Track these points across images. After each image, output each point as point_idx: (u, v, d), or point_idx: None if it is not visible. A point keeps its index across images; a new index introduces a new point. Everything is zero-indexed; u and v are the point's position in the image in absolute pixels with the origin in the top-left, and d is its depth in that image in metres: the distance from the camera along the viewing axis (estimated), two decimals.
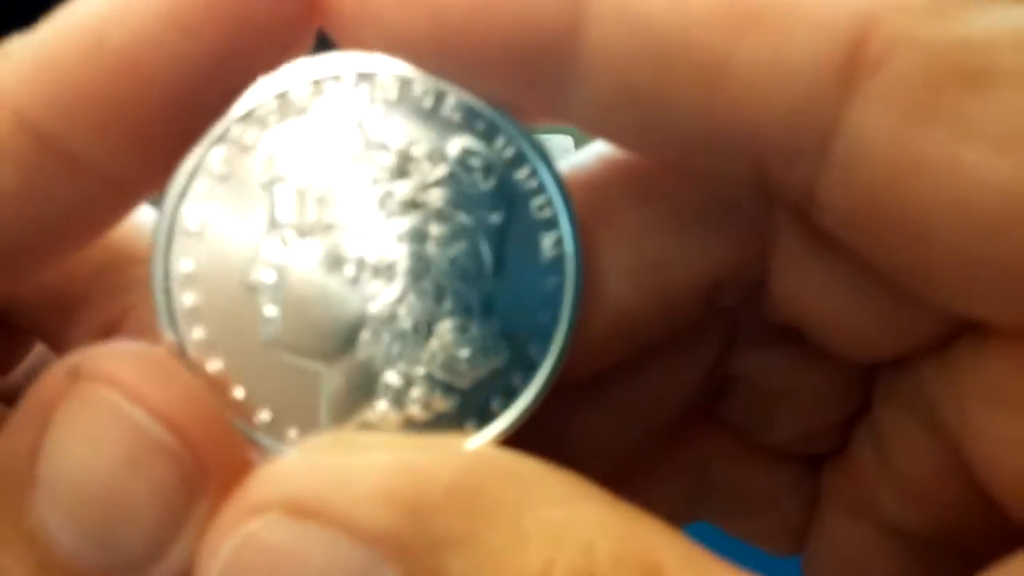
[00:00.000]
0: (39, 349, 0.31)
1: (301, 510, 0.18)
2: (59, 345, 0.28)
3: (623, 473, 0.27)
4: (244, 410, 0.21)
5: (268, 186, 0.20)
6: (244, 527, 0.18)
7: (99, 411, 0.18)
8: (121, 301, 0.26)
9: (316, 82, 0.20)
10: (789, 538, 0.29)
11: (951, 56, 0.16)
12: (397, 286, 0.21)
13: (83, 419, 0.18)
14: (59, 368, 0.19)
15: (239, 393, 0.21)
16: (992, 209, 0.16)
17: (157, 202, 0.22)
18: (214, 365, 0.20)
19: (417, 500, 0.18)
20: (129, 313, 0.26)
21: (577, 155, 0.23)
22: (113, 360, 0.19)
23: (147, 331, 0.25)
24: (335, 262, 0.21)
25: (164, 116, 0.19)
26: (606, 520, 0.18)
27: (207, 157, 0.20)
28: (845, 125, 0.17)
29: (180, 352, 0.20)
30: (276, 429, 0.21)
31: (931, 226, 0.17)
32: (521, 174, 0.21)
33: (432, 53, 0.20)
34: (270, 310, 0.21)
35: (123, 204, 0.21)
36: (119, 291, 0.26)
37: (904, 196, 0.17)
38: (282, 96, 0.20)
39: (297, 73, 0.20)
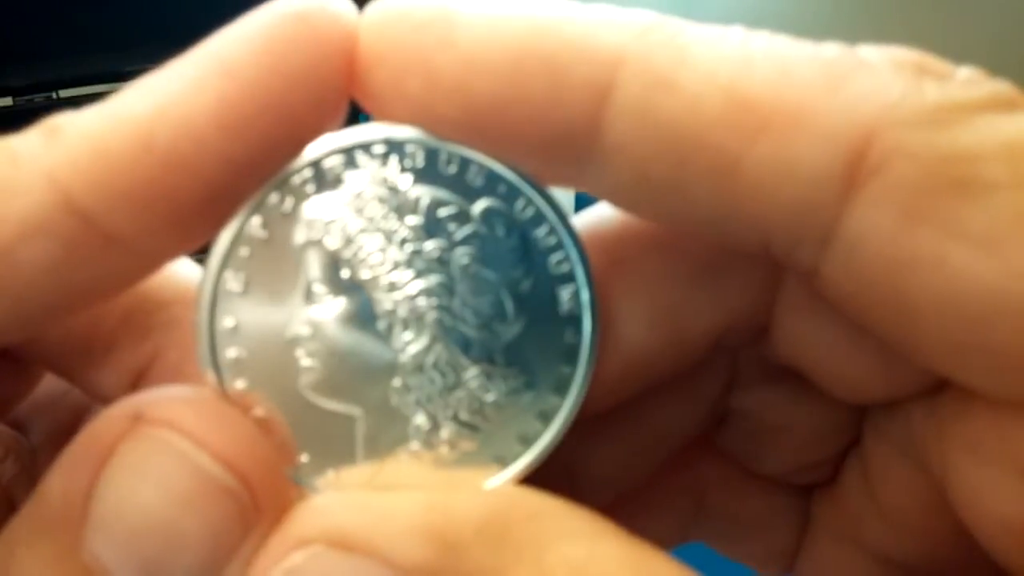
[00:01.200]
0: (46, 382, 0.32)
1: (342, 543, 0.20)
2: (85, 384, 0.29)
3: (624, 496, 0.29)
4: (285, 452, 0.22)
5: (305, 249, 0.22)
6: (288, 558, 0.20)
7: (163, 453, 0.20)
8: (150, 345, 0.28)
9: (348, 152, 0.22)
10: (779, 561, 0.31)
11: (942, 166, 0.18)
12: (426, 337, 0.22)
13: (146, 460, 0.20)
14: (116, 411, 0.20)
15: (280, 437, 0.22)
16: (976, 304, 0.18)
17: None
18: (256, 412, 0.22)
19: (449, 537, 0.20)
20: (158, 357, 0.27)
21: (593, 210, 0.25)
22: (175, 405, 0.20)
23: (177, 374, 0.27)
24: (367, 317, 0.22)
25: (204, 201, 0.21)
26: (623, 556, 0.20)
27: (248, 223, 0.22)
28: (845, 223, 0.19)
29: (225, 400, 0.22)
30: (314, 469, 0.22)
31: (921, 315, 0.19)
32: (540, 232, 0.22)
33: (459, 130, 0.21)
34: (307, 361, 0.22)
35: (153, 270, 0.23)
36: (147, 335, 0.28)
37: (897, 288, 0.19)
38: (317, 166, 0.22)
39: (330, 143, 0.22)
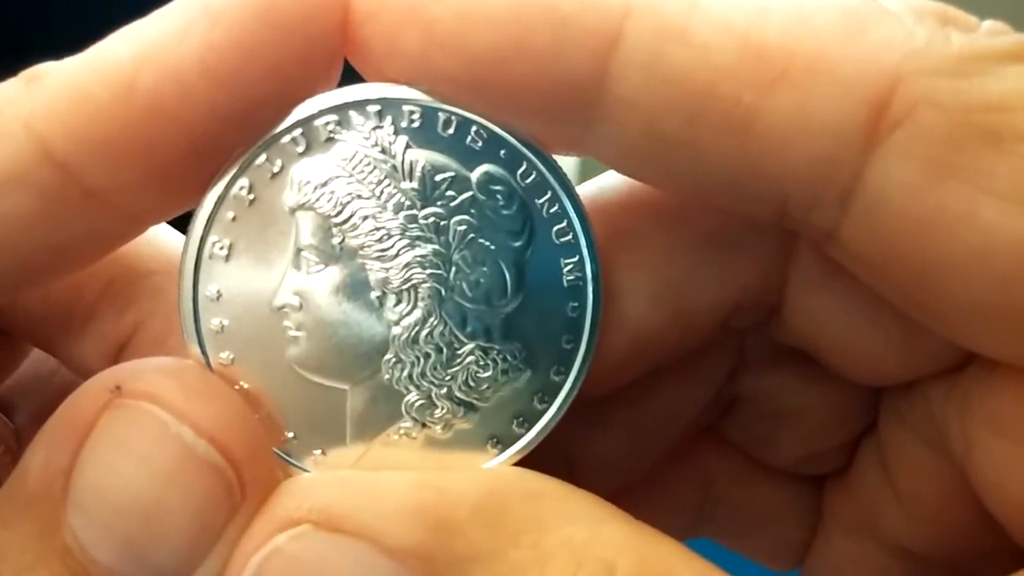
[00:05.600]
0: (33, 363, 0.31)
1: (330, 523, 0.19)
2: (66, 356, 0.28)
3: (627, 488, 0.28)
4: (272, 428, 0.21)
5: (293, 212, 0.21)
6: (273, 539, 0.19)
7: (144, 427, 0.19)
8: (131, 315, 0.27)
9: (341, 111, 0.21)
10: (789, 555, 0.30)
11: (970, 116, 0.17)
12: (420, 310, 0.21)
13: (127, 435, 0.19)
14: (96, 384, 0.19)
15: (267, 412, 0.21)
16: (1006, 261, 0.17)
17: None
18: (241, 385, 0.21)
19: (443, 517, 0.19)
20: (141, 327, 0.27)
21: (597, 180, 0.24)
22: (157, 377, 0.19)
23: (159, 345, 0.26)
24: (359, 286, 0.21)
25: (186, 156, 0.20)
26: (626, 539, 0.19)
27: (234, 184, 0.21)
28: (867, 177, 0.18)
29: (209, 372, 0.21)
30: (302, 446, 0.21)
31: (947, 273, 0.18)
32: (542, 200, 0.21)
33: (457, 86, 0.20)
34: (295, 333, 0.21)
35: (134, 232, 0.22)
36: (129, 305, 0.27)
37: (923, 246, 0.18)
38: (308, 125, 0.21)
39: (322, 103, 0.21)
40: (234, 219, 0.21)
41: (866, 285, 0.20)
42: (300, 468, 0.21)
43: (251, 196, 0.21)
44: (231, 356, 0.21)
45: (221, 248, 0.21)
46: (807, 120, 0.18)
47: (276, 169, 0.21)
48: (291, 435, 0.21)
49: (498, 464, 0.22)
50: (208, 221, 0.21)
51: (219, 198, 0.21)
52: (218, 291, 0.21)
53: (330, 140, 0.21)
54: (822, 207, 0.19)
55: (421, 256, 0.21)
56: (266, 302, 0.21)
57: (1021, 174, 0.17)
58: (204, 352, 0.21)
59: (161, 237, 0.26)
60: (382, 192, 0.21)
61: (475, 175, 0.21)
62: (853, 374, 0.24)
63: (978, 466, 0.21)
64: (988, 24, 0.19)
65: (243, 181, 0.21)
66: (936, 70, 0.18)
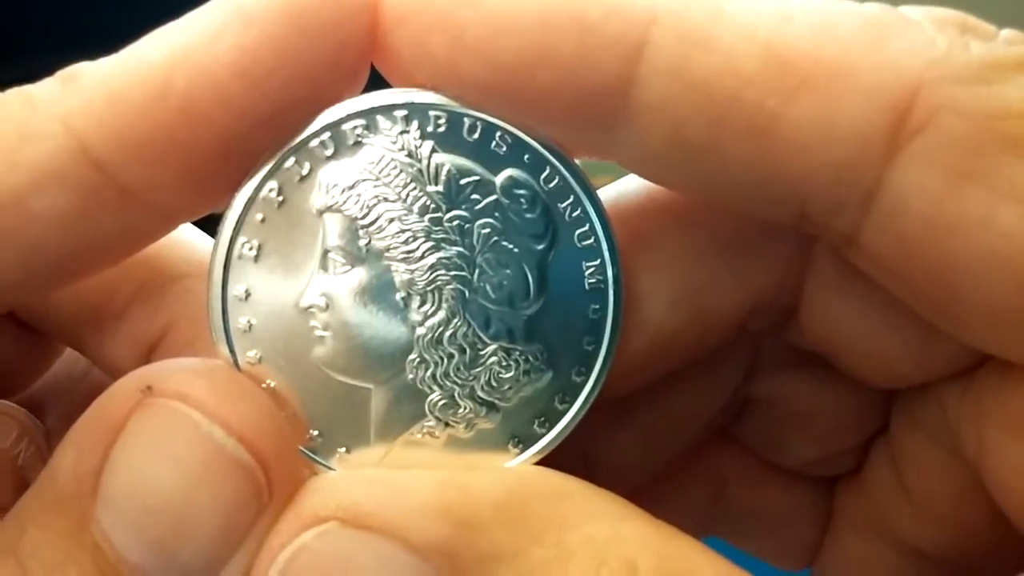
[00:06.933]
0: (64, 365, 0.31)
1: (356, 520, 0.19)
2: (97, 356, 0.28)
3: (641, 488, 0.28)
4: (297, 426, 0.21)
5: (321, 215, 0.21)
6: (300, 536, 0.19)
7: (175, 427, 0.19)
8: (162, 316, 0.27)
9: (368, 115, 0.21)
10: (800, 555, 0.30)
11: (990, 123, 0.18)
12: (444, 311, 0.22)
13: (157, 434, 0.19)
14: (127, 384, 0.20)
15: (292, 410, 0.21)
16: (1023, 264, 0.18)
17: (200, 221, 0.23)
18: (268, 384, 0.21)
19: (467, 515, 0.19)
20: (171, 328, 0.27)
21: (618, 184, 0.24)
22: (187, 377, 0.20)
23: (189, 346, 0.26)
24: (384, 288, 0.21)
25: (218, 157, 0.20)
26: (648, 538, 0.19)
27: (263, 186, 0.21)
28: (888, 183, 0.19)
29: (238, 371, 0.21)
30: (327, 445, 0.22)
31: (966, 277, 0.18)
32: (565, 204, 0.22)
33: (484, 92, 0.20)
34: (321, 333, 0.21)
35: (165, 230, 0.22)
36: (160, 306, 0.27)
37: (942, 249, 0.18)
38: (336, 129, 0.21)
39: (350, 107, 0.21)
40: (263, 221, 0.21)
41: (883, 288, 0.21)
42: (325, 466, 0.22)
43: (280, 198, 0.21)
44: (258, 355, 0.21)
45: (250, 249, 0.21)
46: (830, 126, 0.18)
47: (304, 172, 0.21)
48: (316, 433, 0.22)
49: (520, 463, 0.22)
50: (238, 222, 0.21)
51: (248, 200, 0.21)
52: (246, 291, 0.21)
53: (357, 144, 0.21)
54: (843, 211, 0.19)
55: (446, 258, 0.21)
56: (293, 302, 0.21)
57: None
58: (232, 351, 0.21)
59: (192, 241, 0.27)
60: (408, 195, 0.21)
61: (499, 179, 0.21)
62: (867, 377, 0.24)
63: (992, 467, 0.21)
64: (1006, 33, 0.19)
65: (272, 183, 0.21)
66: (957, 78, 0.18)
